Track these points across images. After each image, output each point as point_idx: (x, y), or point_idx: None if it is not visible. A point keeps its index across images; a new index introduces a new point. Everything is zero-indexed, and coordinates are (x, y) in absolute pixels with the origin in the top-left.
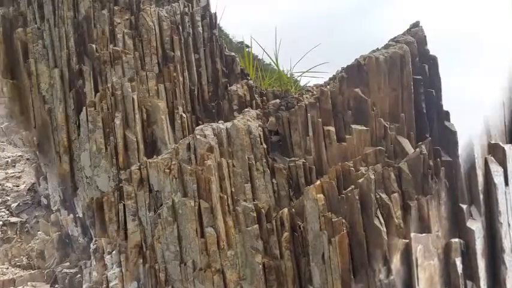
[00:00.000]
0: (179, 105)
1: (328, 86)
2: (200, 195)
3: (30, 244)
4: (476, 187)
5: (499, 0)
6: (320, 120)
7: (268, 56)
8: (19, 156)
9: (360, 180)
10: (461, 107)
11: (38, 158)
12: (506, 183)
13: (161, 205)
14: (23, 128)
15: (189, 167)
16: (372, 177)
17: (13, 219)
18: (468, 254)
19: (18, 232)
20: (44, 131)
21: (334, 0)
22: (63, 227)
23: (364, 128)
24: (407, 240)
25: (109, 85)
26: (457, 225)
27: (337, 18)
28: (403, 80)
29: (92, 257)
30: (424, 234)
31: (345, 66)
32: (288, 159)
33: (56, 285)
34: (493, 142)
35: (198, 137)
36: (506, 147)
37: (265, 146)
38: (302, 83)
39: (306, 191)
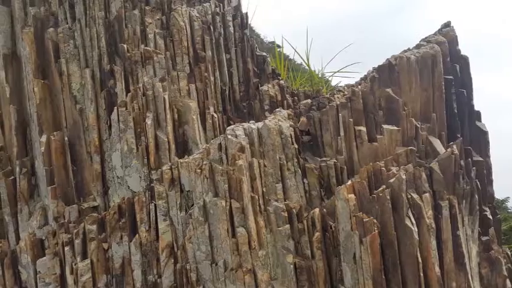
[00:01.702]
0: (210, 105)
1: (359, 86)
2: (231, 195)
3: None
4: None
5: None
6: (351, 120)
7: (300, 56)
8: None
9: (391, 180)
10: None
11: None
12: None
13: (192, 205)
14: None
15: (220, 167)
16: (403, 177)
17: None
18: None
19: None
20: (75, 131)
21: (365, 1)
22: None
23: (396, 128)
24: None
25: (140, 85)
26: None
27: (368, 18)
28: (435, 80)
29: None
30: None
31: (376, 66)
32: (319, 159)
33: None
34: None
35: (229, 137)
36: None
37: (296, 146)
38: (333, 83)
39: (337, 191)
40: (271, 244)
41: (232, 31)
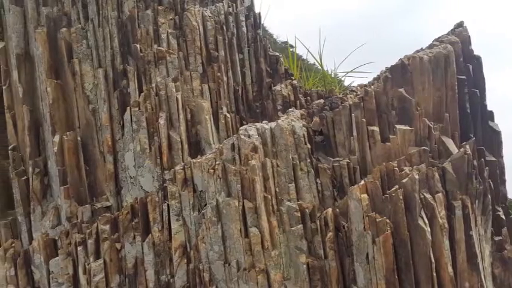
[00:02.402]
0: (223, 105)
1: (372, 86)
2: (244, 195)
3: None
4: None
5: None
6: (364, 120)
7: (312, 56)
8: None
9: (404, 180)
10: None
11: None
12: None
13: (205, 205)
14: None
15: (233, 167)
16: (416, 177)
17: None
18: None
19: None
20: (88, 131)
21: (377, 0)
22: None
23: (408, 128)
24: None
25: (153, 85)
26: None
27: (380, 18)
28: (447, 80)
29: None
30: None
31: (389, 66)
32: (332, 159)
33: None
34: None
35: (242, 137)
36: None
37: (309, 146)
38: (346, 83)
39: (350, 191)
40: (284, 244)
41: (245, 31)
